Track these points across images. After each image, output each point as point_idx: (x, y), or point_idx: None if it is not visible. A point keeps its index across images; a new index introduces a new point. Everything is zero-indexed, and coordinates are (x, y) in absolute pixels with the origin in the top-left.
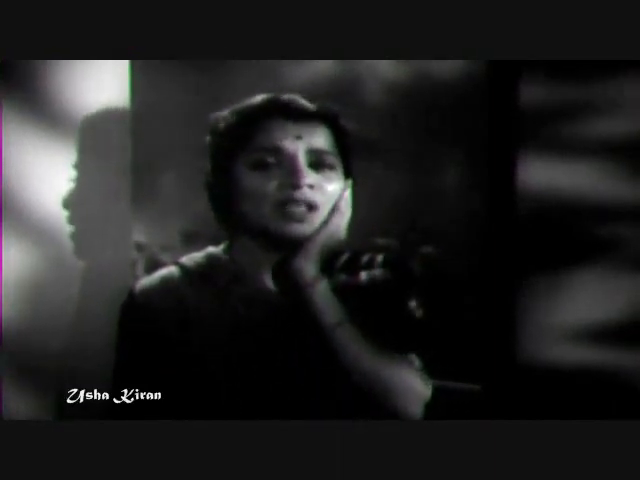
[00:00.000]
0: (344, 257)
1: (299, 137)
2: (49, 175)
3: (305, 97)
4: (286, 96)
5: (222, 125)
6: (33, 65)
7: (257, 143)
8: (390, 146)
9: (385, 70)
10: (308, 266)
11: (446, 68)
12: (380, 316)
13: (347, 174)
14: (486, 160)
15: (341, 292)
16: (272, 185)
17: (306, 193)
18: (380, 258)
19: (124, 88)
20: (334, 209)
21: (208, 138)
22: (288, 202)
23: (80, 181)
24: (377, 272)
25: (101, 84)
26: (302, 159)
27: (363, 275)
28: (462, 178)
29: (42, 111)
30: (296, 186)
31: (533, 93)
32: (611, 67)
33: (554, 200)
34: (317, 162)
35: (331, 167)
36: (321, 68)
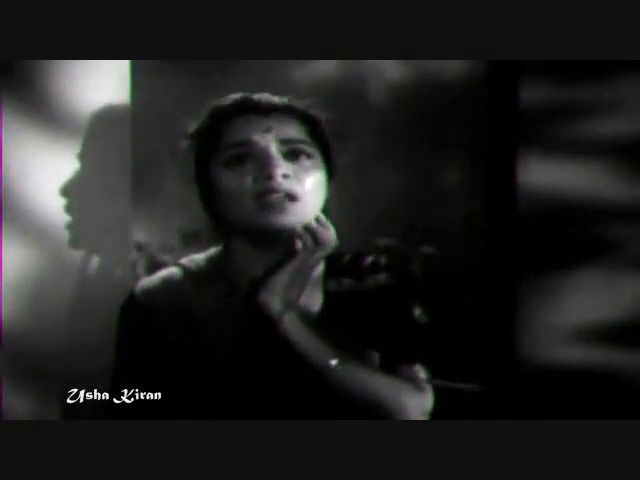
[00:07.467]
0: (346, 259)
1: (269, 129)
2: (49, 175)
3: (278, 94)
4: (257, 94)
5: (195, 127)
6: (33, 65)
7: (228, 140)
8: (391, 146)
9: (387, 70)
10: (273, 301)
11: (447, 68)
12: (386, 323)
13: (329, 165)
14: (486, 160)
15: (346, 297)
16: (248, 180)
17: (281, 183)
18: (384, 261)
19: (124, 88)
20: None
21: (183, 142)
22: (265, 193)
23: (80, 181)
24: (381, 277)
25: (101, 84)
26: (274, 150)
27: (368, 280)
28: (462, 178)
29: (42, 111)
30: (270, 177)
31: (534, 93)
32: (611, 67)
33: (554, 200)
34: (291, 151)
35: (308, 155)
36: (323, 68)
